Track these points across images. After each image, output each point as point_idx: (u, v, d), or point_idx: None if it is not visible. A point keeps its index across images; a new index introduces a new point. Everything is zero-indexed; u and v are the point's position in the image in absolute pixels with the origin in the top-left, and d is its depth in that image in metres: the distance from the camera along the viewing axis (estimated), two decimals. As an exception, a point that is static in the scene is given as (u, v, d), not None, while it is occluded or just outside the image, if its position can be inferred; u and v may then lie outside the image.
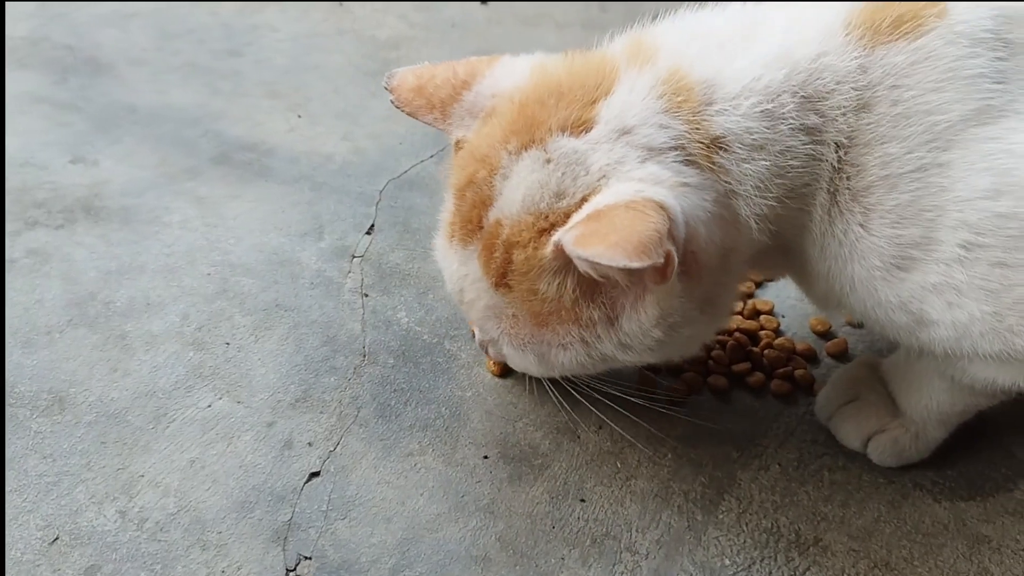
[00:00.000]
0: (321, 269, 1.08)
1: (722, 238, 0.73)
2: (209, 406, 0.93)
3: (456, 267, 0.80)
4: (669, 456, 0.91)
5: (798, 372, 0.97)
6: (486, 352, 0.91)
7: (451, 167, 0.82)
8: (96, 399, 0.93)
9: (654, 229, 0.64)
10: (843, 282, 0.75)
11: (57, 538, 0.82)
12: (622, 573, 0.82)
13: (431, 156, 1.25)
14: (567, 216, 0.71)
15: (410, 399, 0.95)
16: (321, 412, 0.93)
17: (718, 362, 0.98)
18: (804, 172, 0.72)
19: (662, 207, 0.66)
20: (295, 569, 0.81)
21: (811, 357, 1.01)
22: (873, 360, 0.95)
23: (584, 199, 0.71)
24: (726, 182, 0.72)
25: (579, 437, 0.92)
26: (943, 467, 0.91)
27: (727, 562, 0.83)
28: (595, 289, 0.73)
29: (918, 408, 0.90)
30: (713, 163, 0.71)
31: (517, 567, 0.82)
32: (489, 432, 0.92)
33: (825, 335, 1.04)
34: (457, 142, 0.81)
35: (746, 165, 0.71)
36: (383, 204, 1.17)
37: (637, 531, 0.85)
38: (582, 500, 0.87)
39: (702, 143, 0.71)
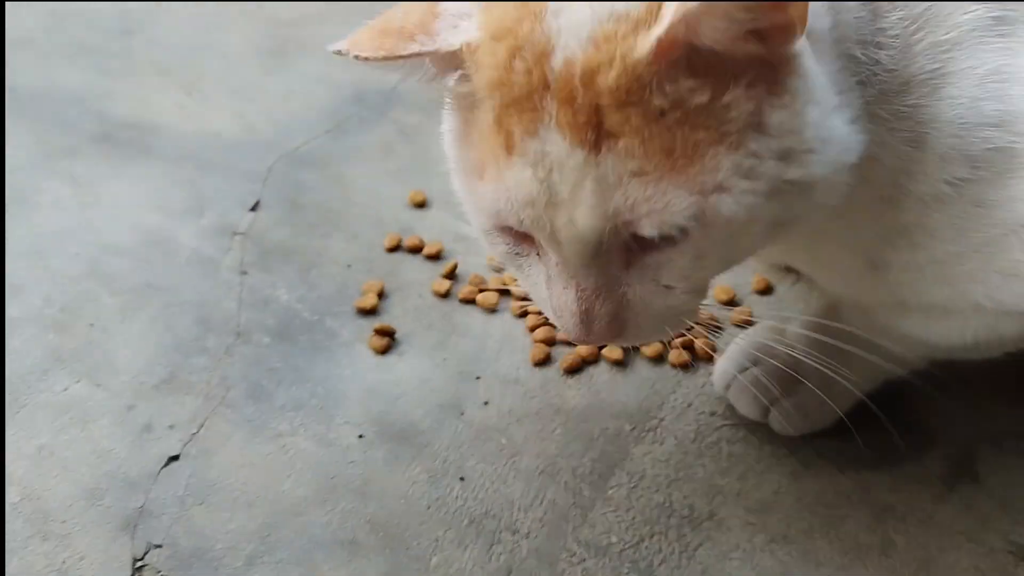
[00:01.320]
0: (199, 248, 1.02)
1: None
2: (65, 390, 0.87)
3: (526, 173, 0.59)
4: (558, 431, 0.86)
5: (698, 342, 0.92)
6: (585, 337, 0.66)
7: (477, 67, 0.61)
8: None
9: None
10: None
11: None
12: (500, 554, 0.76)
13: (326, 132, 1.19)
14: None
15: (283, 379, 0.89)
16: (187, 394, 0.87)
17: (614, 333, 0.93)
18: None
19: None
20: (143, 558, 0.75)
21: (713, 327, 0.96)
22: (775, 326, 0.90)
23: None
24: None
25: (463, 414, 0.87)
26: (848, 436, 0.86)
27: (614, 539, 0.78)
28: (721, 88, 0.57)
29: (825, 375, 0.85)
30: None
31: (387, 550, 0.76)
32: (367, 411, 0.86)
33: (729, 303, 0.99)
34: (462, 48, 0.63)
35: None
36: (271, 181, 1.11)
37: (519, 510, 0.79)
38: (462, 479, 0.81)
39: None
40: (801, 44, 0.57)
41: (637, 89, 0.56)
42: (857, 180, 0.63)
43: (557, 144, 0.58)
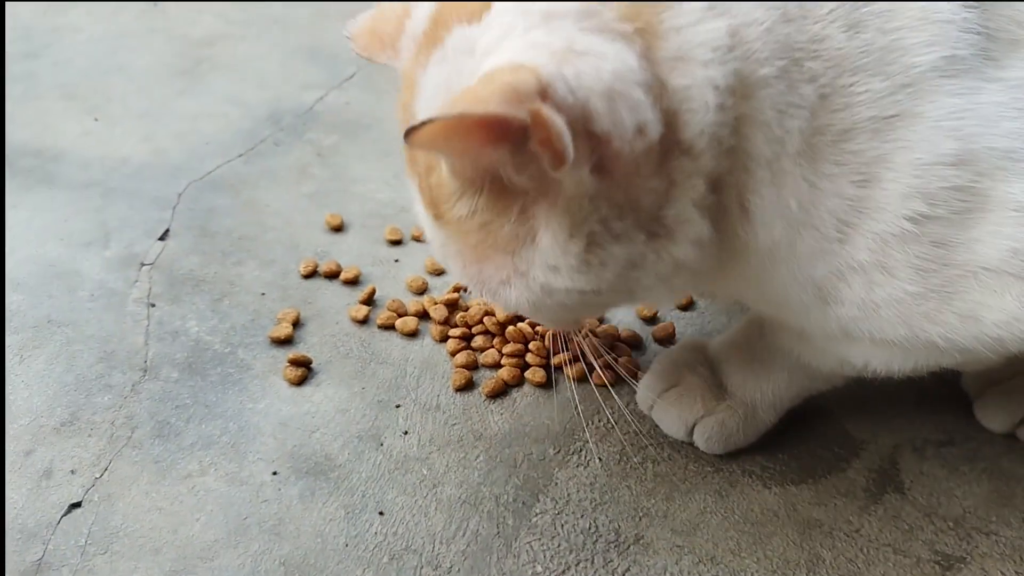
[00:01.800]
0: (104, 280, 0.97)
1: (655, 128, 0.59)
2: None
3: (415, 204, 0.70)
4: (481, 458, 0.83)
5: (622, 360, 0.91)
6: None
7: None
8: None
9: (507, 82, 0.53)
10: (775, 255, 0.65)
11: None
12: (421, 590, 0.74)
13: (239, 156, 1.15)
14: None
15: (193, 415, 0.85)
16: (89, 435, 0.82)
17: (537, 353, 0.91)
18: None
19: (525, 67, 0.55)
20: (39, 622, 0.70)
21: (636, 344, 0.95)
22: (697, 342, 0.89)
23: None
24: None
25: (382, 444, 0.84)
26: (774, 451, 0.86)
27: (539, 568, 0.75)
28: (508, 202, 0.62)
29: (750, 391, 0.84)
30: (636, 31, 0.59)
31: (302, 593, 0.73)
32: (281, 445, 0.83)
33: (651, 320, 0.98)
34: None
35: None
36: (181, 207, 1.07)
37: (441, 542, 0.76)
38: (381, 513, 0.78)
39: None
40: (579, 176, 0.58)
41: (448, 193, 0.63)
42: (779, 230, 0.63)
43: (417, 198, 0.68)
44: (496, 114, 0.53)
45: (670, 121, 0.59)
